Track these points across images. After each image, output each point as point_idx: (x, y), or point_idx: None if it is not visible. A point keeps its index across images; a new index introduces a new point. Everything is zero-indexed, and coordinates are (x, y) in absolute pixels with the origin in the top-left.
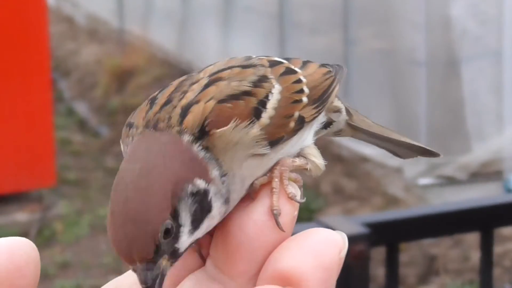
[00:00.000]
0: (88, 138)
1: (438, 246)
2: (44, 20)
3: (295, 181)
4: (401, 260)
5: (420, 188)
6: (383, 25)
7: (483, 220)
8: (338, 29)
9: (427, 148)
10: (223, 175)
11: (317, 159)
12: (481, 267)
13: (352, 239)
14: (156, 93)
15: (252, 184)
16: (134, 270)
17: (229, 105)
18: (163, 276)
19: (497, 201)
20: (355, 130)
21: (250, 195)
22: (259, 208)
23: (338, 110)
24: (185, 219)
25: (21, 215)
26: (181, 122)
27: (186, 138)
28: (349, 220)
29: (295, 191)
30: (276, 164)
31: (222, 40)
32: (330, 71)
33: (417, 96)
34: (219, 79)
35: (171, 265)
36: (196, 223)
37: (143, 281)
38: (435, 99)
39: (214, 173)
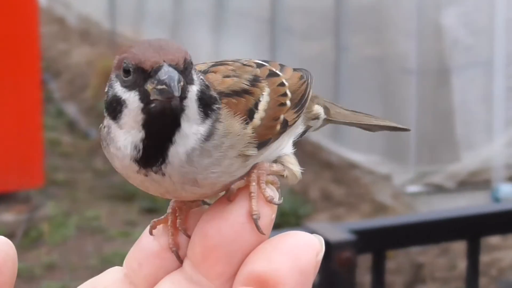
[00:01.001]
0: (77, 140)
1: (425, 254)
2: (35, 20)
3: (272, 183)
4: (388, 268)
5: (409, 196)
6: (375, 33)
7: (470, 229)
8: (330, 35)
9: (396, 125)
10: (216, 120)
11: (294, 167)
12: (467, 276)
13: (338, 246)
14: None
15: (229, 189)
16: (156, 71)
17: (234, 100)
18: (182, 86)
19: (484, 210)
20: (331, 122)
21: (228, 198)
22: (237, 210)
23: (317, 117)
24: (197, 83)
25: (8, 216)
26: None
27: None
28: (336, 227)
29: (273, 194)
30: (253, 167)
31: (214, 44)
32: (303, 75)
33: (408, 104)
34: (225, 63)
35: (181, 93)
36: (202, 98)
37: (166, 72)
38: (425, 107)
39: (216, 107)
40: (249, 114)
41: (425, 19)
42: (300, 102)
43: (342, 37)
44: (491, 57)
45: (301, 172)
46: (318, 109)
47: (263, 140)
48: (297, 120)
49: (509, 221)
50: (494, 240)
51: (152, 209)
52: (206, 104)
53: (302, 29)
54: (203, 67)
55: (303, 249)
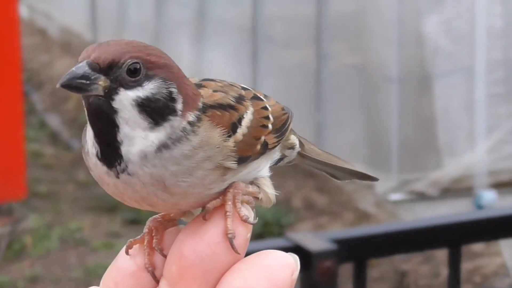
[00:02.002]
0: (59, 151)
1: (409, 262)
2: (16, 32)
3: (247, 203)
4: (372, 276)
5: (391, 204)
6: (356, 41)
7: (452, 237)
8: (311, 43)
9: (366, 173)
10: (191, 124)
11: (270, 190)
12: (449, 283)
13: (320, 255)
14: None
15: (205, 207)
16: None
17: (218, 113)
18: (87, 83)
19: (466, 218)
20: (303, 158)
21: (203, 216)
22: (212, 229)
23: (292, 147)
24: (147, 89)
25: None
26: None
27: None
28: (317, 236)
29: (248, 213)
30: (230, 187)
31: (195, 53)
32: (284, 107)
33: (389, 111)
34: (213, 80)
35: (102, 92)
36: (145, 106)
37: (76, 67)
38: (407, 115)
39: (189, 116)
40: (232, 128)
41: (406, 26)
42: (281, 129)
43: (323, 46)
44: (472, 64)
45: (276, 196)
46: (294, 139)
47: (243, 156)
48: (276, 145)
49: (491, 228)
50: (477, 247)
51: (136, 220)
52: (154, 112)
53: (283, 37)
54: (194, 81)
55: (278, 268)
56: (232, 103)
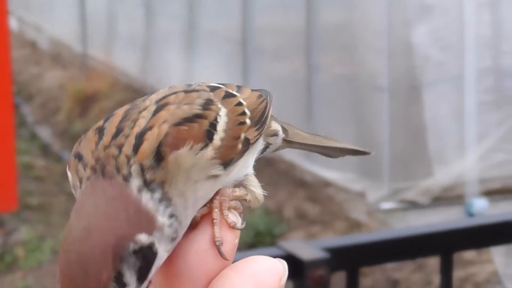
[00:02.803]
0: (51, 163)
1: (401, 270)
2: (6, 44)
3: (235, 209)
4: (364, 284)
5: (383, 213)
6: (346, 51)
7: (443, 244)
8: (301, 54)
9: (357, 148)
10: (172, 215)
11: (257, 190)
12: None
13: (312, 264)
14: (102, 122)
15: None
16: None
17: (185, 127)
18: None
19: (457, 226)
20: (290, 143)
21: (191, 225)
22: (200, 236)
23: (275, 134)
24: (130, 277)
25: None
26: (135, 153)
27: (135, 184)
28: (309, 244)
29: (236, 219)
30: (216, 194)
31: (186, 65)
32: (261, 95)
33: (380, 121)
34: (167, 103)
35: None
36: (143, 275)
37: None
38: (398, 124)
39: (162, 218)
40: (208, 136)
41: (395, 36)
42: (260, 120)
43: (313, 56)
44: (462, 73)
45: (264, 195)
46: (276, 126)
47: (226, 160)
48: (258, 137)
49: (482, 236)
50: (469, 255)
51: None
52: (148, 264)
53: (273, 48)
54: (142, 123)
55: (266, 274)
56: (199, 111)
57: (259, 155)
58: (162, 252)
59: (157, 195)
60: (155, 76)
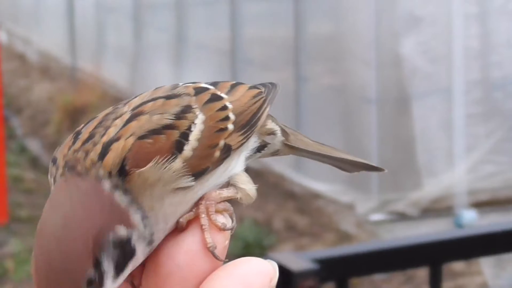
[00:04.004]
0: (40, 176)
1: (390, 282)
2: None
3: (224, 211)
4: None
5: (372, 224)
6: (334, 62)
7: (432, 255)
8: (290, 65)
9: (370, 163)
10: (144, 217)
11: (247, 186)
12: None
13: (301, 275)
14: (82, 126)
15: (177, 221)
16: None
17: (149, 140)
18: None
19: (446, 236)
20: (293, 149)
21: (179, 229)
22: (189, 238)
23: (272, 133)
24: (108, 266)
25: None
26: (101, 161)
27: (106, 184)
28: (298, 256)
29: (225, 220)
30: (202, 198)
31: (174, 77)
32: (260, 92)
33: (368, 132)
34: (141, 113)
35: None
36: (120, 268)
37: None
38: (386, 136)
39: (136, 217)
40: (176, 147)
41: (383, 48)
42: (249, 122)
43: (302, 67)
44: (450, 85)
45: (255, 189)
46: (273, 125)
47: (198, 170)
48: (244, 141)
49: (471, 247)
50: (458, 266)
51: None
52: (126, 258)
53: (262, 60)
54: (111, 132)
55: (256, 275)
56: (169, 122)
57: (254, 154)
58: (140, 252)
59: (128, 198)
60: (144, 88)
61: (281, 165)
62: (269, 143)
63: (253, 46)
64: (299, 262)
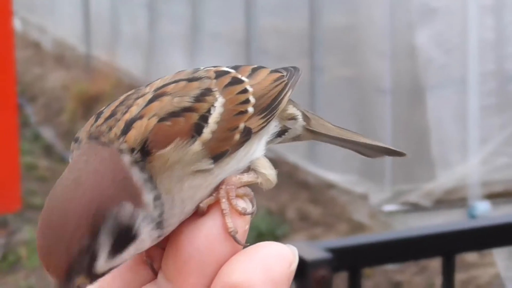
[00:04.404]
0: (54, 164)
1: (403, 273)
2: (10, 45)
3: (244, 195)
4: (366, 287)
5: (385, 215)
6: (349, 53)
7: (445, 246)
8: (304, 56)
9: (391, 148)
10: (157, 199)
11: (267, 171)
12: None
13: (314, 264)
14: (104, 107)
15: (197, 206)
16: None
17: (168, 123)
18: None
19: (459, 227)
20: (314, 134)
21: (199, 214)
22: (210, 222)
23: (293, 117)
24: (105, 241)
25: None
26: (124, 136)
27: (126, 157)
28: (311, 245)
29: (246, 205)
30: (222, 183)
31: (189, 66)
32: (282, 75)
33: (382, 123)
34: (163, 94)
35: (90, 283)
36: (118, 247)
37: None
38: (400, 127)
39: (147, 197)
40: (196, 130)
41: (398, 39)
42: (270, 106)
43: (317, 58)
44: (465, 76)
45: (276, 174)
46: (294, 110)
47: (218, 153)
48: (264, 125)
49: (484, 237)
50: (471, 257)
51: None
52: (126, 239)
53: (277, 50)
54: (134, 111)
55: (276, 260)
56: (188, 104)
57: (275, 139)
58: (146, 235)
59: (145, 175)
60: (158, 77)
61: (295, 155)
62: (290, 128)
63: (268, 36)
64: (312, 251)
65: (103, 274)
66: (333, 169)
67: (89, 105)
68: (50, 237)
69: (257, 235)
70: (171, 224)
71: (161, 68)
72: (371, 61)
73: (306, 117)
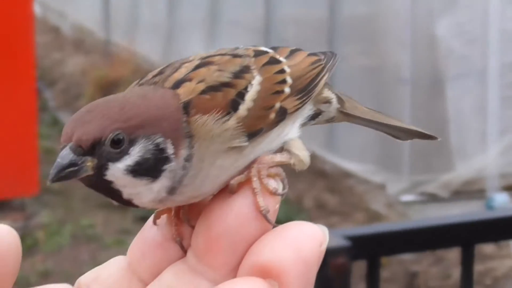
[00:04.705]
0: None
1: (420, 263)
2: (30, 29)
3: (275, 175)
4: (383, 276)
5: (403, 205)
6: (369, 43)
7: (464, 236)
8: (324, 45)
9: (423, 131)
10: (188, 159)
11: (301, 152)
12: (461, 283)
13: (333, 252)
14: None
15: (228, 184)
16: (62, 148)
17: (207, 96)
18: (76, 169)
19: (478, 217)
20: (348, 117)
21: (230, 191)
22: (241, 200)
23: (328, 101)
24: (134, 154)
25: (3, 223)
26: (176, 89)
27: (180, 103)
28: (330, 232)
29: (277, 185)
30: (254, 162)
31: None
32: (319, 59)
33: (402, 113)
34: (211, 62)
35: (91, 171)
36: (137, 170)
37: (61, 156)
38: (420, 117)
39: (183, 151)
40: (233, 106)
41: (419, 29)
42: (306, 88)
43: (336, 48)
44: (485, 67)
45: (309, 156)
46: (329, 94)
47: (253, 131)
48: (300, 106)
49: (503, 228)
50: (488, 249)
51: (147, 217)
52: (149, 171)
53: (296, 39)
54: (183, 72)
55: (307, 239)
56: (227, 80)
57: (309, 121)
58: (159, 182)
59: (188, 129)
60: None
61: (313, 144)
62: (324, 111)
63: (288, 26)
64: (331, 239)
65: (105, 183)
66: (351, 159)
67: (107, 90)
68: (90, 114)
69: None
70: (181, 193)
71: (180, 54)
72: (391, 51)
73: (340, 100)
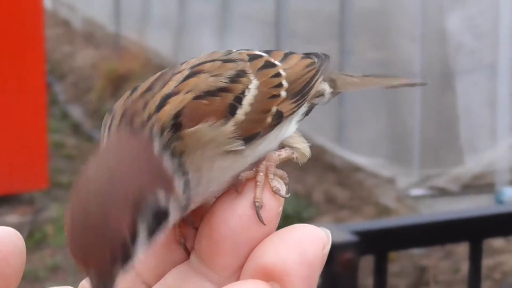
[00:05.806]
0: (81, 142)
1: (429, 257)
2: (40, 23)
3: (281, 177)
4: (392, 271)
5: (412, 199)
6: (379, 37)
7: (472, 231)
8: (334, 39)
9: (411, 82)
10: (187, 183)
11: (301, 145)
12: (469, 278)
13: (340, 247)
14: (141, 82)
15: (237, 178)
16: (89, 278)
17: (204, 101)
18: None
19: (487, 212)
20: (341, 93)
21: (236, 188)
22: (244, 202)
23: (321, 94)
24: (143, 230)
25: (12, 217)
26: (157, 113)
27: (157, 144)
28: (338, 227)
29: (280, 185)
30: (262, 159)
31: (218, 47)
32: (313, 62)
33: (411, 108)
34: (200, 71)
35: (122, 271)
36: (152, 234)
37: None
38: (430, 111)
39: (179, 184)
40: (230, 110)
41: (429, 23)
42: (302, 91)
43: (346, 41)
44: (496, 61)
45: (309, 146)
46: (322, 86)
47: (249, 134)
48: (296, 110)
49: None
50: (497, 243)
51: None
52: (158, 230)
53: (307, 33)
54: (171, 86)
55: (310, 241)
56: (224, 85)
57: (304, 118)
58: (171, 219)
59: (176, 161)
60: (187, 57)
61: (323, 138)
62: (317, 104)
63: (298, 19)
64: (339, 234)
65: (134, 261)
66: (361, 152)
67: (117, 84)
68: (90, 231)
69: (283, 217)
70: (195, 201)
71: (190, 48)
72: (401, 45)
73: (331, 83)
